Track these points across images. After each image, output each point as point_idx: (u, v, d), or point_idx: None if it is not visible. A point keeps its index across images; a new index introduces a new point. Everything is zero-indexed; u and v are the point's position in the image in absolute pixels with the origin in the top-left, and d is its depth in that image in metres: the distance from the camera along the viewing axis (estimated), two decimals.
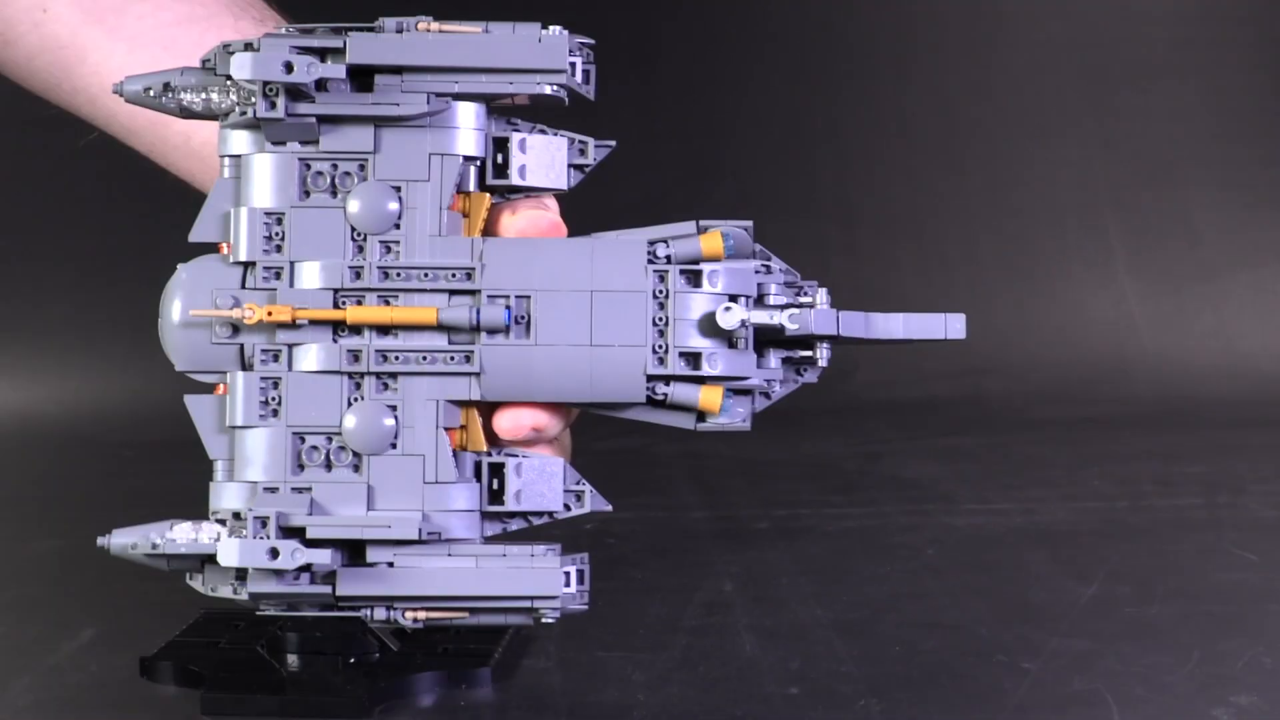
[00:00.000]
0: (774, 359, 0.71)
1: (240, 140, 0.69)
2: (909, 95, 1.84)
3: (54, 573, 1.06)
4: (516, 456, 0.70)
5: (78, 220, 1.77)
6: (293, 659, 0.80)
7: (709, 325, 0.68)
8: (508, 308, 0.68)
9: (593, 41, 0.71)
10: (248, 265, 0.69)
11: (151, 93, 0.69)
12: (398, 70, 0.68)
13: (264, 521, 0.66)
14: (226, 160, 0.70)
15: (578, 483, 0.71)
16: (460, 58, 0.68)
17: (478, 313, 0.68)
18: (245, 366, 0.69)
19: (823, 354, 0.71)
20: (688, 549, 1.06)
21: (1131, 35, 1.83)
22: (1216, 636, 0.84)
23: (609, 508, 0.71)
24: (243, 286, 0.69)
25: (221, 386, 0.70)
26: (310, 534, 0.67)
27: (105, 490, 1.32)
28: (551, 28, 0.69)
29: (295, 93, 0.66)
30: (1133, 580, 0.95)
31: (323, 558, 0.66)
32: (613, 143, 0.72)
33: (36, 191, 1.77)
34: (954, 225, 1.79)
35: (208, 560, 0.69)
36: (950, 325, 0.71)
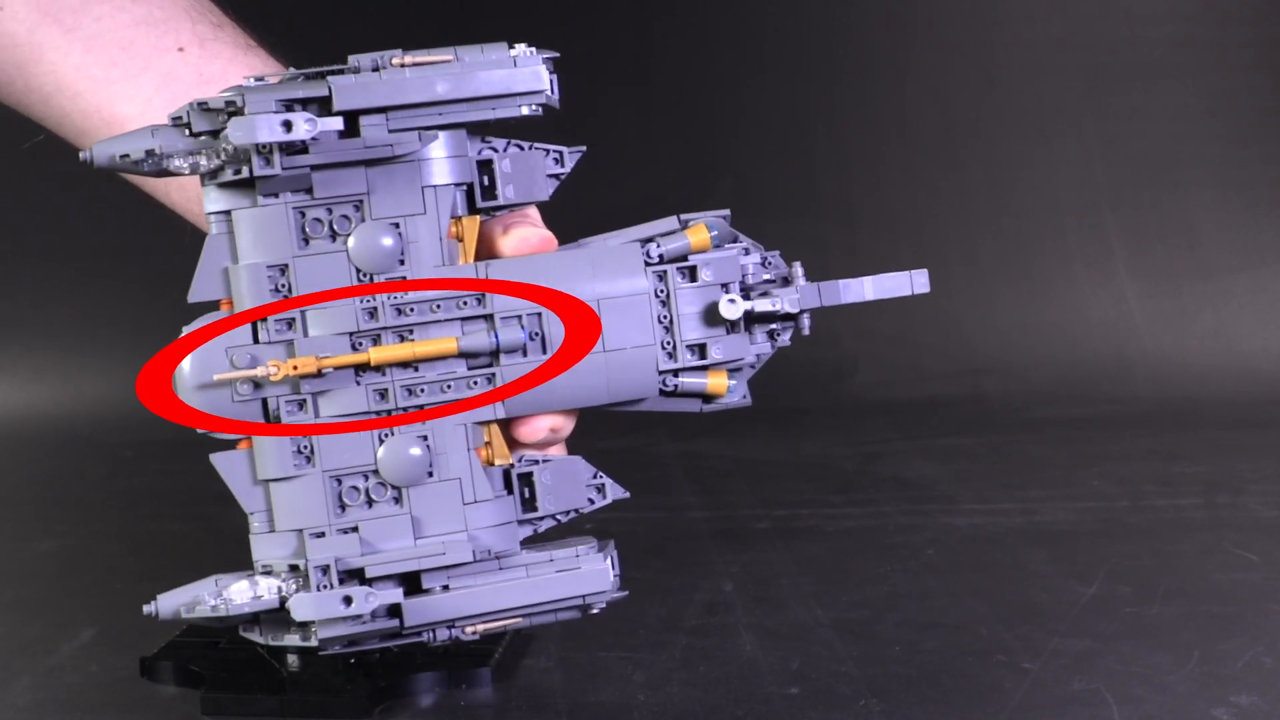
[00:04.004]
0: (759, 335, 0.73)
1: (228, 197, 0.68)
2: (909, 95, 1.84)
3: (54, 573, 1.06)
4: (538, 462, 0.72)
5: (78, 220, 1.77)
6: (293, 659, 0.80)
7: (709, 316, 0.71)
8: (523, 327, 0.69)
9: (557, 55, 0.71)
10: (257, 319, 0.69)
11: (130, 159, 0.67)
12: (382, 110, 0.68)
13: (325, 569, 0.67)
14: (214, 218, 0.69)
15: (595, 476, 0.73)
16: (444, 91, 0.68)
17: (496, 335, 0.69)
18: (270, 418, 0.69)
19: (806, 323, 0.73)
20: (688, 549, 1.06)
21: (1131, 35, 1.83)
22: (1216, 636, 0.84)
23: (626, 494, 0.73)
24: (255, 341, 0.68)
25: (245, 441, 0.69)
26: (369, 573, 0.68)
27: (105, 490, 1.32)
28: (518, 46, 0.70)
29: (289, 146, 0.66)
30: (1133, 580, 0.95)
31: (393, 596, 0.67)
32: (583, 148, 0.73)
33: (37, 192, 1.77)
34: (954, 225, 1.79)
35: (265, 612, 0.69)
36: (915, 281, 0.74)
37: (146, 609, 0.68)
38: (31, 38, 0.79)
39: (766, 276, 0.73)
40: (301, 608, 0.66)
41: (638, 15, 1.83)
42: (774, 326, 0.73)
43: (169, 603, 0.69)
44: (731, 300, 0.70)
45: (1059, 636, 0.85)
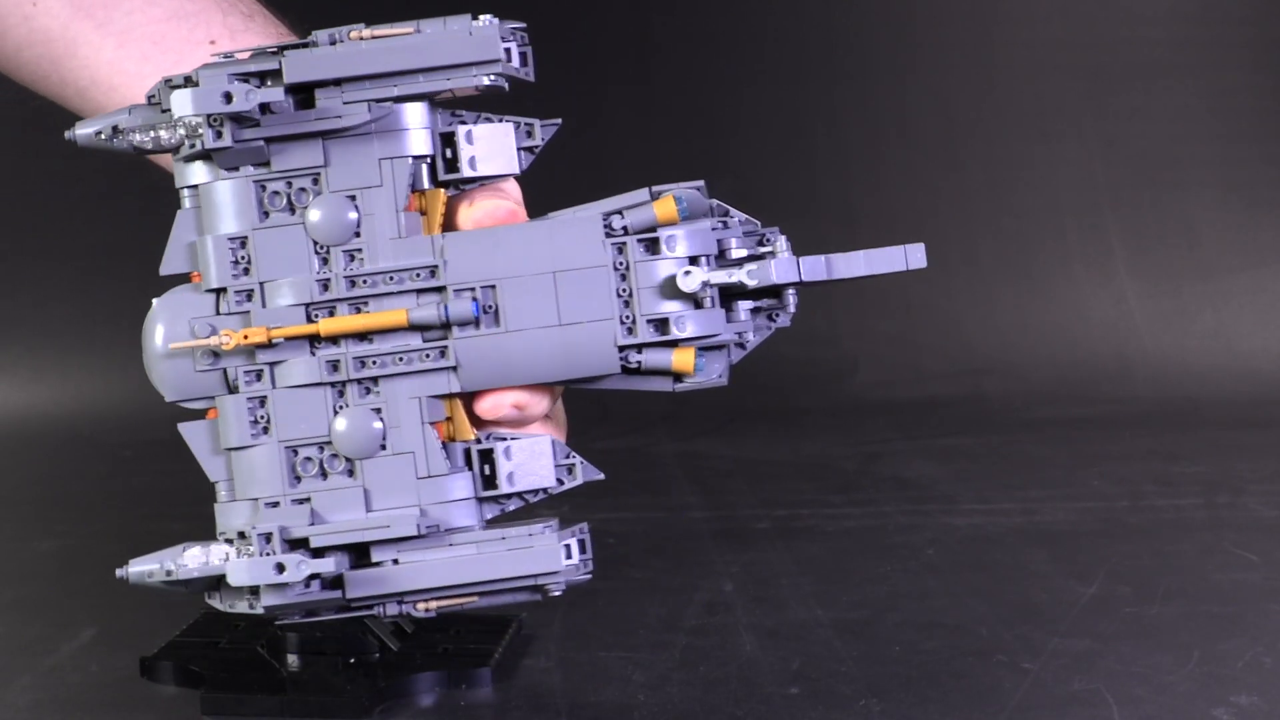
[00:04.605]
0: (743, 311, 0.71)
1: (195, 171, 0.70)
2: (909, 95, 1.84)
3: (54, 573, 1.06)
4: (505, 439, 0.71)
5: (78, 219, 1.77)
6: (293, 659, 0.80)
7: (672, 290, 0.69)
8: (475, 300, 0.69)
9: (524, 25, 0.71)
10: (220, 292, 0.70)
11: (102, 136, 0.70)
12: (337, 83, 0.69)
13: (268, 537, 0.67)
14: (185, 192, 0.71)
15: (568, 456, 0.71)
16: (395, 62, 0.68)
17: (446, 308, 0.68)
18: (231, 389, 0.70)
19: (791, 300, 0.71)
20: (688, 549, 1.06)
21: (1131, 35, 1.83)
22: (1216, 636, 0.84)
23: (601, 476, 0.71)
24: (217, 313, 0.70)
25: (212, 411, 0.71)
26: (314, 543, 0.68)
27: (105, 490, 1.32)
28: (482, 18, 0.69)
29: (241, 119, 0.67)
30: (1133, 580, 0.95)
31: (326, 566, 0.67)
32: (558, 120, 0.72)
33: (36, 191, 1.77)
34: (954, 225, 1.79)
35: (222, 579, 0.69)
36: (911, 256, 0.70)
37: (119, 572, 0.70)
38: (65, 33, 0.80)
39: (749, 252, 0.70)
40: (236, 572, 0.67)
41: (638, 15, 1.83)
42: (759, 304, 0.71)
43: (137, 568, 0.70)
44: (687, 272, 0.68)
45: (1059, 636, 0.85)
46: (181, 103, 0.66)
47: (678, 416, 1.51)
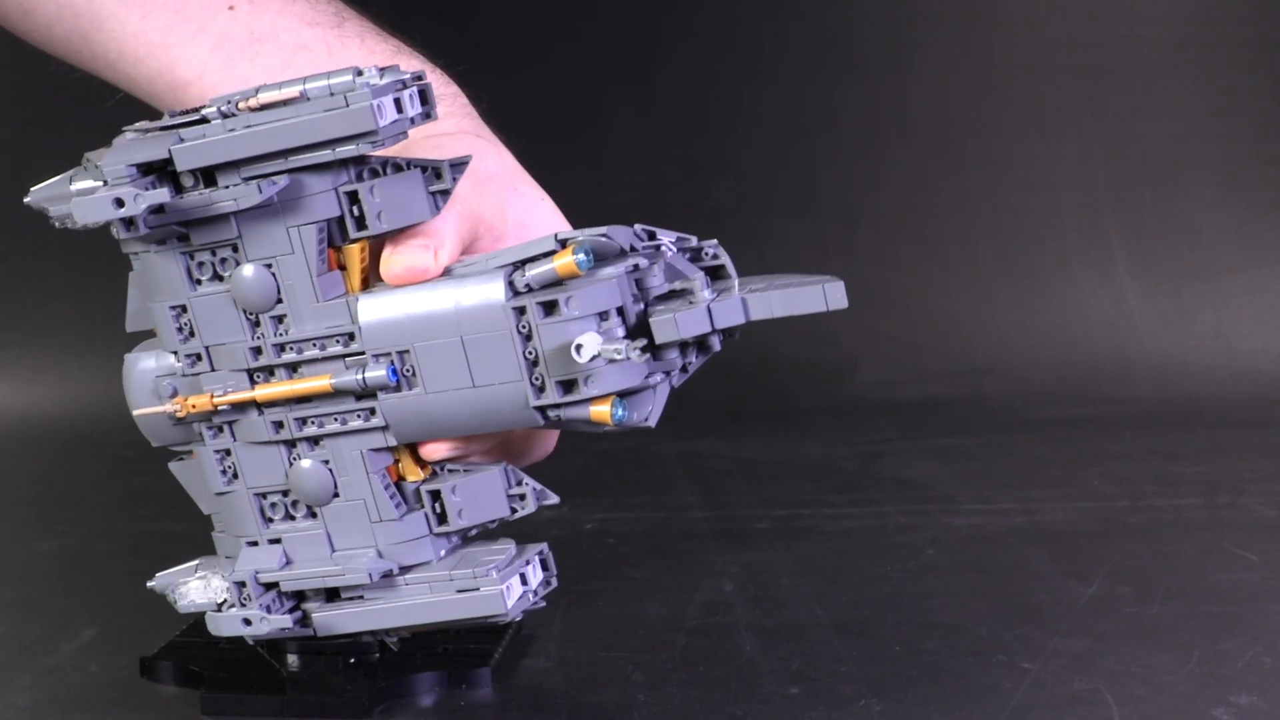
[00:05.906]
0: (670, 353, 0.70)
1: (131, 243, 0.72)
2: (909, 95, 1.84)
3: (54, 573, 1.06)
4: (457, 474, 0.73)
5: None
6: (293, 659, 0.80)
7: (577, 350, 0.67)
8: (391, 365, 0.70)
9: (408, 75, 0.69)
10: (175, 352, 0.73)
11: (43, 208, 0.73)
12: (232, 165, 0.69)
13: (242, 585, 0.74)
14: (133, 256, 0.73)
15: (519, 484, 0.73)
16: (279, 143, 0.68)
17: (363, 376, 0.70)
18: (201, 439, 0.74)
19: (716, 343, 0.70)
20: (688, 549, 1.06)
21: (1131, 35, 1.83)
22: (1216, 636, 0.84)
23: (555, 499, 0.73)
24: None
25: (194, 452, 0.75)
26: (283, 587, 0.74)
27: (105, 490, 1.32)
28: (366, 73, 0.67)
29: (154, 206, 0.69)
30: (1133, 580, 0.95)
31: (284, 623, 0.73)
32: (468, 157, 0.71)
33: None
34: (954, 225, 1.79)
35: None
36: (830, 295, 0.67)
37: (150, 584, 0.78)
38: (90, 6, 0.82)
39: (670, 287, 0.70)
40: (212, 623, 0.75)
41: (638, 15, 1.83)
42: (688, 341, 0.70)
43: (160, 581, 0.78)
44: (579, 347, 0.66)
45: (1059, 636, 0.85)
46: (81, 212, 0.68)
47: (678, 416, 1.51)
